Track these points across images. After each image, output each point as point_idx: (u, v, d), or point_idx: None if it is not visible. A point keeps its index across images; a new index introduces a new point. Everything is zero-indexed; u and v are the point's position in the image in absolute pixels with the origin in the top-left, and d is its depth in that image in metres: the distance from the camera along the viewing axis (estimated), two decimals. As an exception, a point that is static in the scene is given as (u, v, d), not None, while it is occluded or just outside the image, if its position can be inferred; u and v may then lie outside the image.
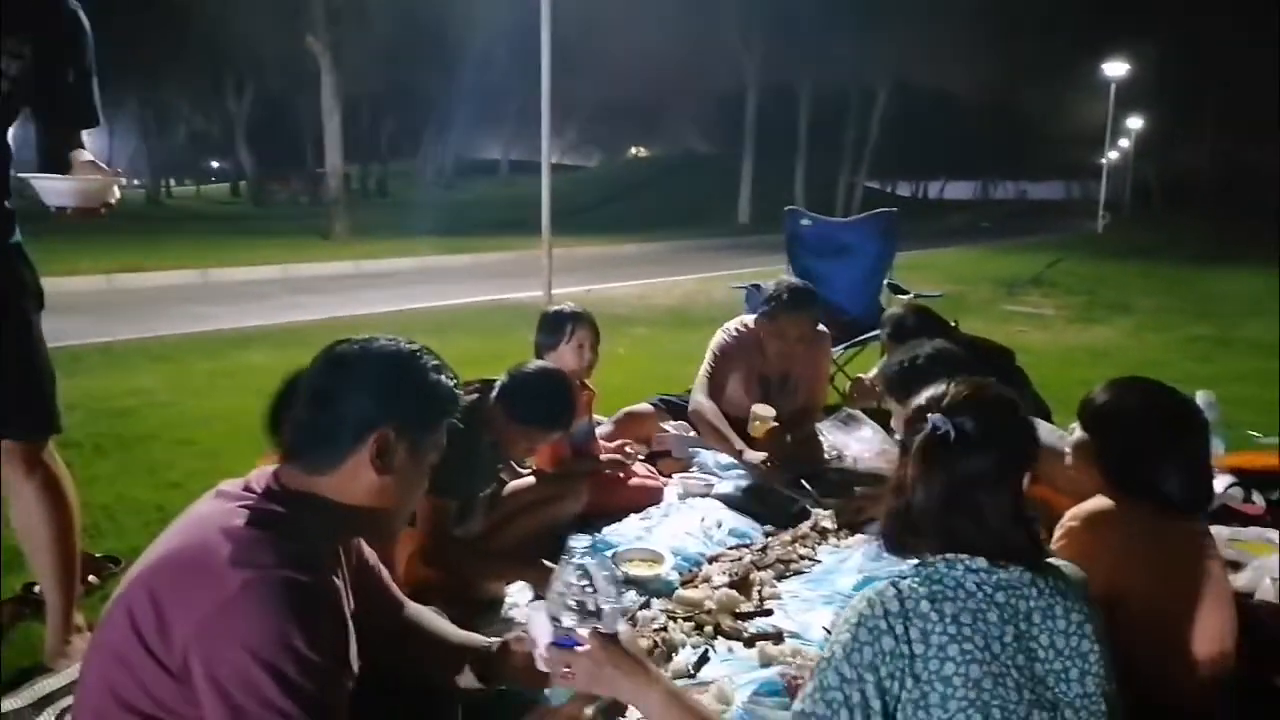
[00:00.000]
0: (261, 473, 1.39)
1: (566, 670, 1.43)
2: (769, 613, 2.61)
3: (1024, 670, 1.30)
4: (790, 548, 3.04)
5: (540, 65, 8.24)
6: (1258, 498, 3.36)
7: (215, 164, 55.47)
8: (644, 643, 2.33)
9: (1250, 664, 1.94)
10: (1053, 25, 35.71)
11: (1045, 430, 2.46)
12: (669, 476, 3.77)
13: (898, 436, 1.59)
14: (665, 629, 2.45)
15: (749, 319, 4.00)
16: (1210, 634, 1.80)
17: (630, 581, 2.72)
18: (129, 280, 11.94)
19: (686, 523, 3.23)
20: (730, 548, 3.10)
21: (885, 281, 5.94)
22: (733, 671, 2.27)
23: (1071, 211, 45.40)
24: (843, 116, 37.51)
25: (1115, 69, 30.71)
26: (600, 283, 12.72)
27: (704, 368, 3.94)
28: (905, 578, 1.35)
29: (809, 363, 4.02)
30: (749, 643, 2.43)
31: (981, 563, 1.34)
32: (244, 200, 41.00)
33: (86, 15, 2.22)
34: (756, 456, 3.56)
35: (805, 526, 3.22)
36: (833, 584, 2.78)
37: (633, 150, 61.99)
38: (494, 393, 2.75)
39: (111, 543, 3.12)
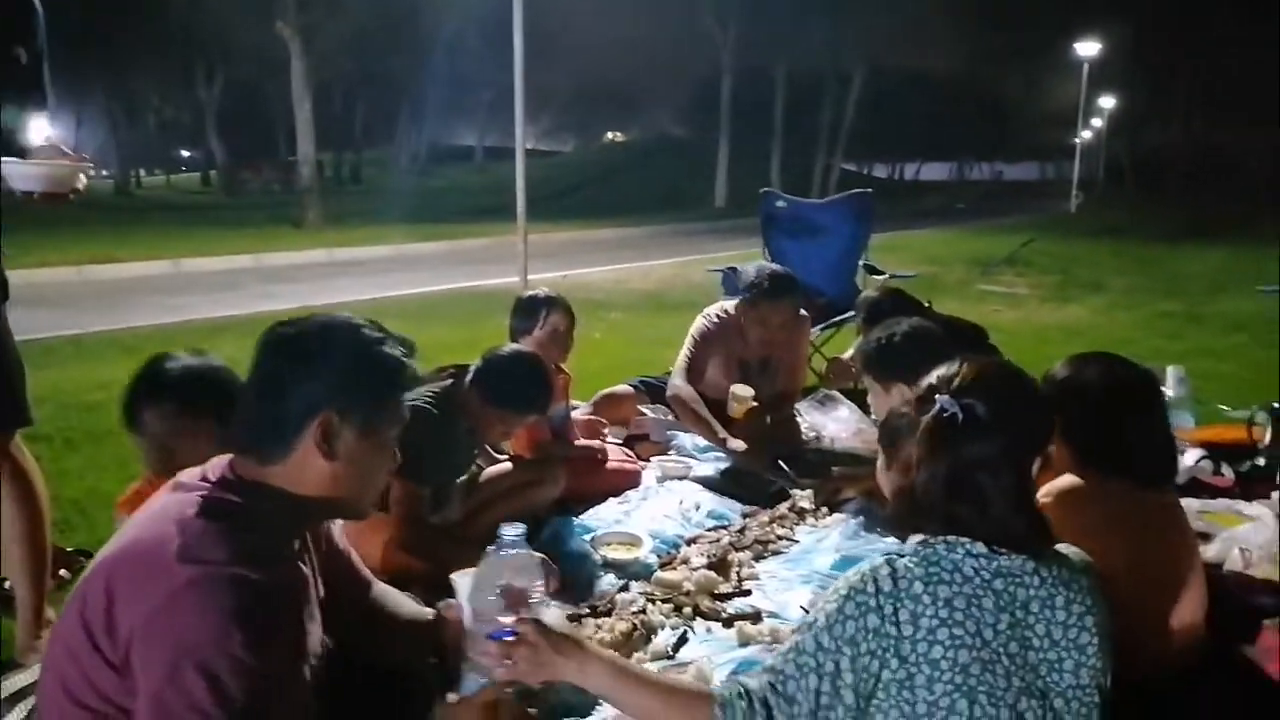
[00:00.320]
0: (218, 462, 1.35)
1: (508, 662, 1.39)
2: (747, 593, 2.62)
3: (1016, 658, 1.29)
4: (768, 528, 3.05)
5: (513, 50, 8.19)
6: (1227, 470, 3.42)
7: (185, 153, 54.40)
8: (623, 625, 2.33)
9: (1219, 634, 1.97)
10: (1025, 5, 35.82)
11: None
12: (647, 460, 3.78)
13: (874, 416, 1.58)
14: (644, 611, 2.46)
15: (729, 304, 3.99)
16: (1185, 605, 1.83)
17: (609, 565, 2.74)
18: (99, 271, 11.79)
19: (665, 505, 3.24)
20: (708, 529, 3.11)
21: (861, 262, 5.96)
22: (711, 652, 2.28)
23: (1046, 192, 45.60)
24: (818, 99, 37.47)
25: (1088, 49, 30.82)
26: (577, 268, 12.65)
27: (684, 353, 3.93)
28: (903, 556, 1.33)
29: (789, 347, 4.02)
30: (727, 623, 2.44)
31: (981, 548, 1.32)
32: (215, 190, 40.37)
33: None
34: (740, 445, 3.57)
35: (783, 507, 3.23)
36: (810, 564, 2.79)
37: (608, 135, 61.55)
38: (469, 377, 2.74)
39: (82, 537, 3.07)
